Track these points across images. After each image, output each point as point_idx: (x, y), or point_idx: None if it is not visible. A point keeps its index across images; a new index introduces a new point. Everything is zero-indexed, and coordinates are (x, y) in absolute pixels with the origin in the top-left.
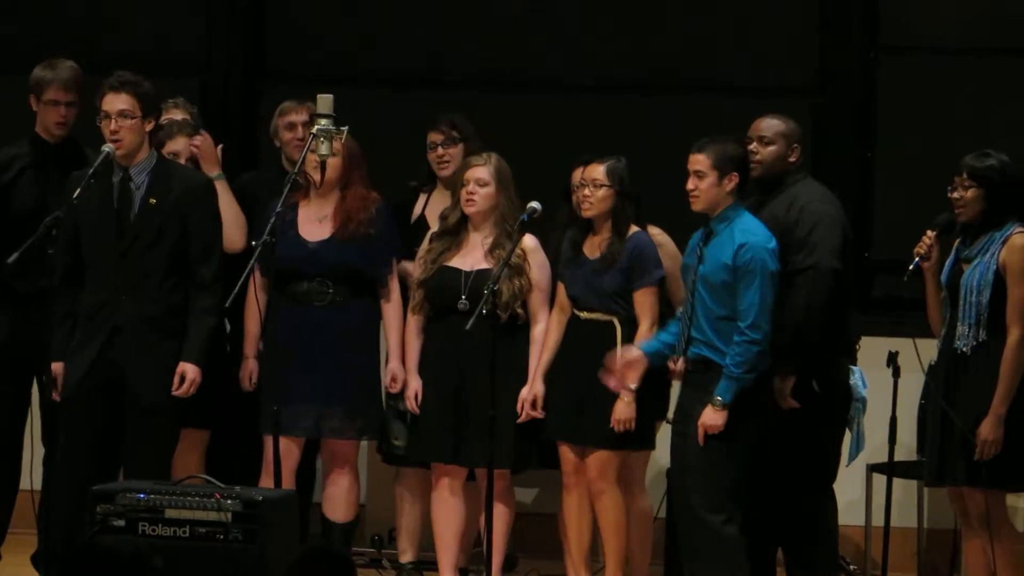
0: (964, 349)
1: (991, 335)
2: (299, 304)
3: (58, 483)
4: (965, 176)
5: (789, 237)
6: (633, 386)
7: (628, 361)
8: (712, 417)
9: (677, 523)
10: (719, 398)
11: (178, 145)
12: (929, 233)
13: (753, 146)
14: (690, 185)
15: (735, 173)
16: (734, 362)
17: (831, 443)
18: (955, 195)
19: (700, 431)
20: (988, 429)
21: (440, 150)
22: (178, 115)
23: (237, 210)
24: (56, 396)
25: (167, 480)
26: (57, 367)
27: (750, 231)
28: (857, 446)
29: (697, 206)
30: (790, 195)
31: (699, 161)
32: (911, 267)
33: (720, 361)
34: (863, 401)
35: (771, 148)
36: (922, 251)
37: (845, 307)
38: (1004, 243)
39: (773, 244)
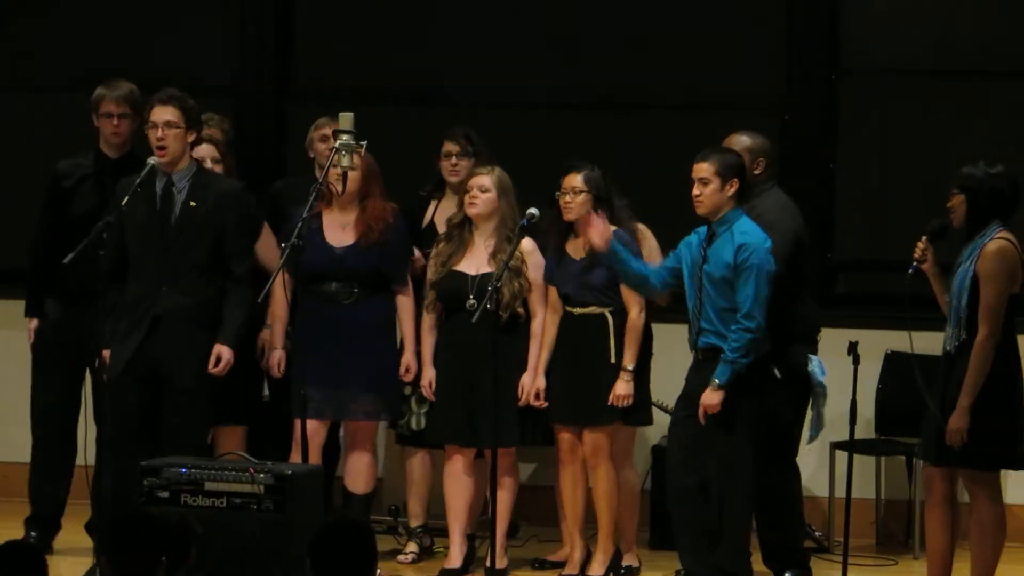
0: (949, 349)
1: (971, 335)
2: (327, 302)
3: (107, 459)
4: (953, 185)
5: None
6: (600, 242)
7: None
8: (710, 397)
9: (674, 503)
10: (716, 380)
11: (202, 151)
12: (923, 239)
13: None
14: (695, 191)
15: (736, 179)
16: (730, 347)
17: (792, 423)
18: (948, 203)
19: (700, 410)
20: (954, 419)
21: (454, 159)
22: (209, 134)
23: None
24: (105, 379)
25: (203, 455)
26: (106, 353)
27: (748, 232)
28: (817, 427)
29: (701, 210)
30: (752, 206)
31: (703, 169)
32: (910, 271)
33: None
34: (822, 386)
35: None
36: (917, 255)
37: (796, 303)
38: (982, 249)
39: (769, 244)
